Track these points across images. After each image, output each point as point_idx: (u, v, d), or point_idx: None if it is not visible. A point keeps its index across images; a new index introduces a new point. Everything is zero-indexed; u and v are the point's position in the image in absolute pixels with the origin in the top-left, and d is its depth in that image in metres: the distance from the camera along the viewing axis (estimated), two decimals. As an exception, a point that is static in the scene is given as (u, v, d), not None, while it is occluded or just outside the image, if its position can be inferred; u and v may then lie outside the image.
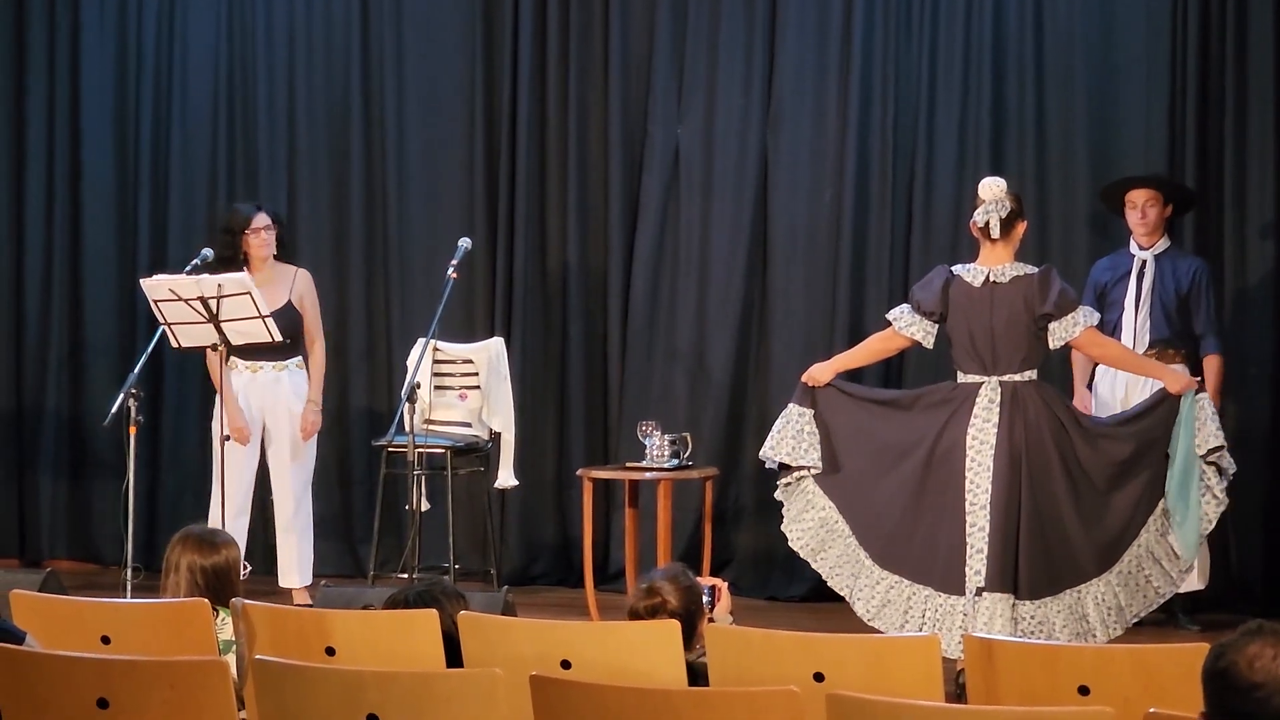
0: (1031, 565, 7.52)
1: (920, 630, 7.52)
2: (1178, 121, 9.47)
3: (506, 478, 9.54)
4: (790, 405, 7.97)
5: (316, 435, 9.42)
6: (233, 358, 9.08)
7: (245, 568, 5.88)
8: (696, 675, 5.22)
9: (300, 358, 9.33)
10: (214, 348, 8.69)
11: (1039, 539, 7.55)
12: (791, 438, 7.93)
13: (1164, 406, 7.68)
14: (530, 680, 4.40)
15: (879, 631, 7.60)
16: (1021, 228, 7.83)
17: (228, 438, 8.88)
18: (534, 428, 10.18)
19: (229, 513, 8.80)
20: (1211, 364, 8.87)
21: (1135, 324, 8.88)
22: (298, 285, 9.34)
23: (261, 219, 9.26)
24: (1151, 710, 3.93)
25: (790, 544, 7.99)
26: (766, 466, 8.10)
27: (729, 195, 10.12)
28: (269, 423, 9.28)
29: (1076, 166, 9.66)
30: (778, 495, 8.00)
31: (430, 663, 5.26)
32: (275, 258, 9.34)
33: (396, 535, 10.02)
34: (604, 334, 10.34)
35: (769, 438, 8.01)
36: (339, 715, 4.47)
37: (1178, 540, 7.60)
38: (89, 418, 10.72)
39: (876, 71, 9.89)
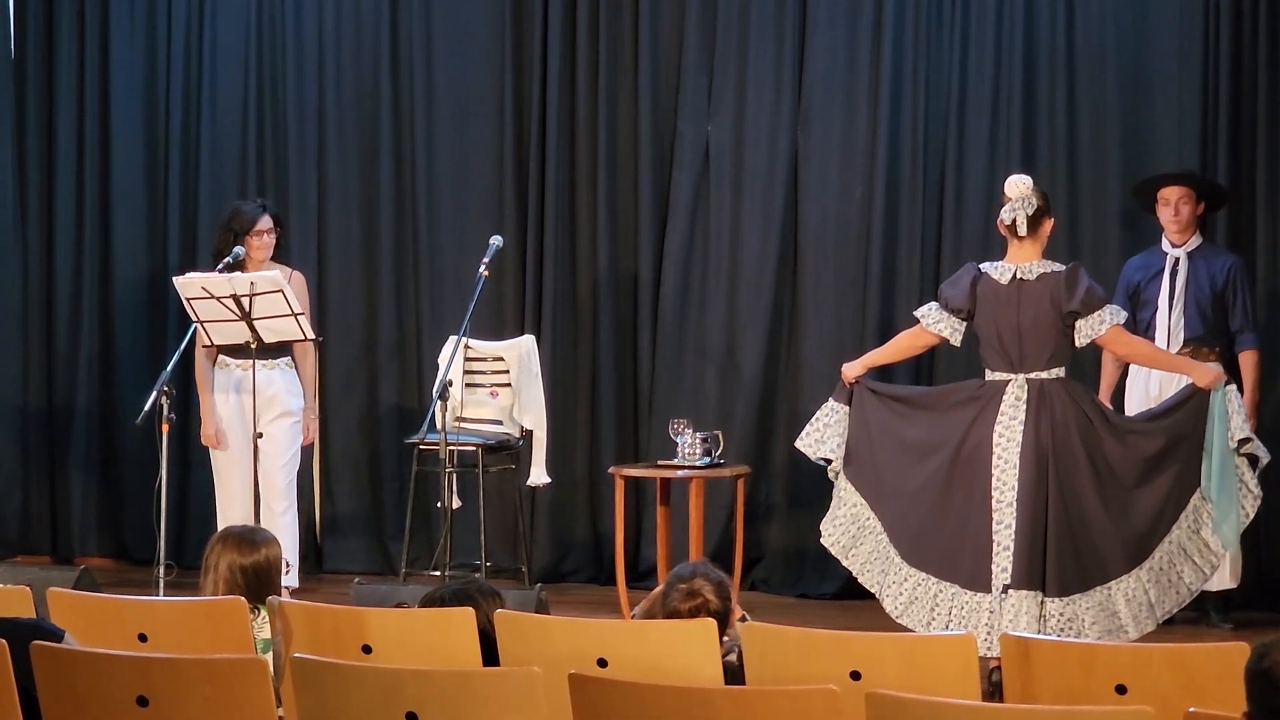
0: (1060, 563, 7.51)
1: (946, 628, 7.52)
2: (1210, 118, 9.43)
3: (539, 475, 9.54)
4: (829, 400, 8.00)
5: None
6: (222, 355, 9.04)
7: (286, 565, 5.86)
8: (729, 674, 5.22)
9: (289, 358, 9.18)
10: (248, 345, 8.68)
11: (1066, 536, 7.54)
12: (817, 431, 7.97)
13: (1193, 401, 7.66)
14: (569, 679, 4.41)
15: (907, 628, 7.61)
16: (1049, 225, 7.81)
17: (260, 435, 8.87)
18: (564, 425, 10.17)
19: (241, 515, 8.81)
20: (1249, 359, 8.84)
21: (1169, 322, 8.85)
22: (290, 288, 9.21)
23: (266, 222, 9.13)
24: (1191, 710, 3.93)
25: (822, 540, 8.00)
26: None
27: (759, 192, 10.11)
28: (263, 421, 9.02)
29: (1108, 163, 9.62)
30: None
31: (467, 661, 5.26)
32: (272, 258, 9.26)
33: (427, 533, 10.03)
34: (634, 331, 10.33)
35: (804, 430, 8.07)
36: (378, 713, 4.48)
37: (1218, 536, 7.59)
38: (120, 415, 10.74)
39: (907, 68, 9.86)
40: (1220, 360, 8.75)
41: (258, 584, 5.71)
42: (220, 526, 8.90)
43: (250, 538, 5.84)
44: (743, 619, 5.62)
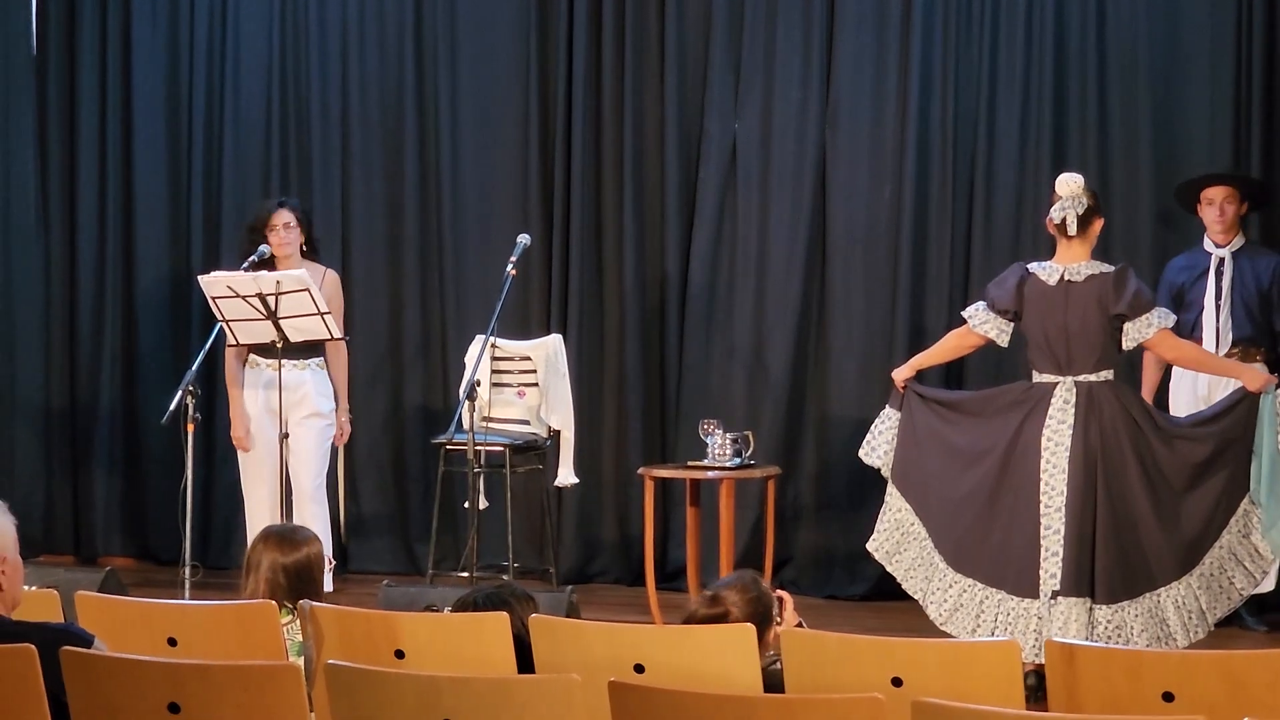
0: (1108, 569, 7.42)
1: (992, 634, 7.43)
2: (1242, 117, 9.36)
3: (567, 475, 9.48)
4: (886, 407, 7.95)
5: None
6: (253, 355, 8.97)
7: (330, 563, 5.79)
8: (766, 682, 5.15)
9: (321, 358, 9.12)
10: (274, 343, 8.62)
11: (1115, 542, 7.45)
12: (873, 438, 7.93)
13: (1243, 405, 7.57)
14: (609, 686, 4.34)
15: (951, 636, 7.51)
16: (1098, 225, 7.73)
17: (286, 435, 8.80)
18: (591, 425, 10.11)
19: (268, 517, 8.72)
20: None
21: (1217, 323, 8.76)
22: (324, 288, 9.05)
23: (281, 215, 9.06)
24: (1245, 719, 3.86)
25: (868, 546, 7.93)
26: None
27: (787, 191, 10.04)
28: (292, 421, 8.98)
29: (1140, 162, 9.54)
30: None
31: (501, 666, 5.21)
32: (304, 256, 9.17)
33: (453, 533, 9.99)
34: (661, 331, 10.26)
35: None
36: (413, 721, 4.42)
37: (1268, 540, 7.49)
38: (143, 415, 10.71)
39: (936, 65, 9.79)
40: (1267, 361, 8.66)
41: (300, 583, 5.65)
42: (249, 529, 8.87)
43: (291, 536, 5.78)
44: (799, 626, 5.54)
